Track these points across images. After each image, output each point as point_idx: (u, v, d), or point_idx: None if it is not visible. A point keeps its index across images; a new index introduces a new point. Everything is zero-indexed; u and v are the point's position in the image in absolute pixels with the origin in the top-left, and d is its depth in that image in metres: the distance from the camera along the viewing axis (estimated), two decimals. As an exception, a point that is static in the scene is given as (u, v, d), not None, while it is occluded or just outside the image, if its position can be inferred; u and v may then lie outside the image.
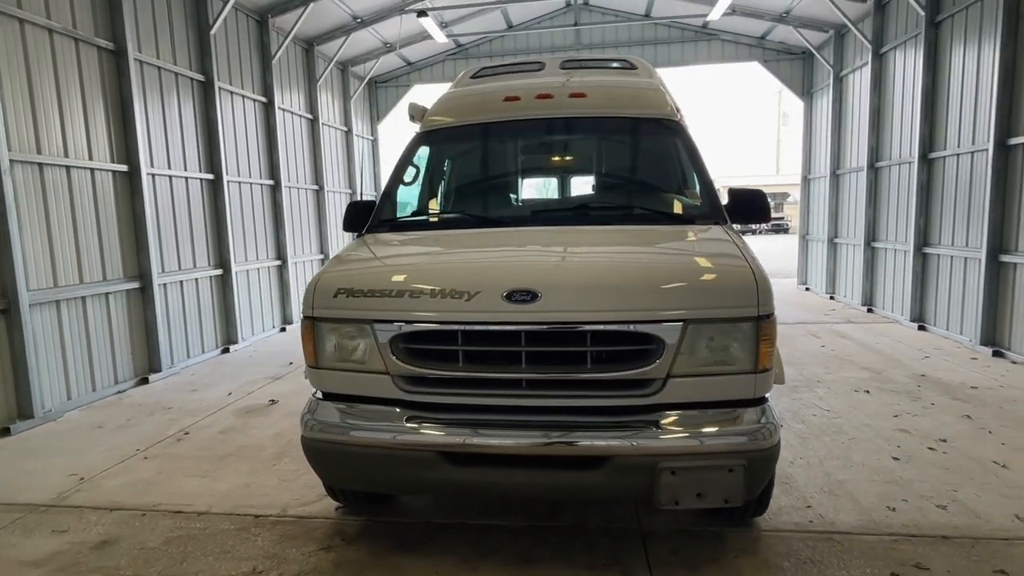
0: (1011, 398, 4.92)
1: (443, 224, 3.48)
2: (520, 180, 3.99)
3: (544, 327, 2.45)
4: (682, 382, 2.44)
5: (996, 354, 6.25)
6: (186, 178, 7.07)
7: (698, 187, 3.48)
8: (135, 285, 6.16)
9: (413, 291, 2.56)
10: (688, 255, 2.82)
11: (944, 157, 7.42)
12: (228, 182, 7.71)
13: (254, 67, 8.50)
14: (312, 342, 2.70)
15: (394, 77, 12.74)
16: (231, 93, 7.90)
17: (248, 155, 8.32)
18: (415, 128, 4.68)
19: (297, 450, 3.16)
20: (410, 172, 3.82)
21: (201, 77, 7.28)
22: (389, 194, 3.68)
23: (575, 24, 12.00)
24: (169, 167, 6.77)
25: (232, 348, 7.73)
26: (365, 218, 3.69)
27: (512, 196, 3.87)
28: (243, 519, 3.30)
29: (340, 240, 10.98)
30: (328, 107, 10.76)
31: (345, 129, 11.47)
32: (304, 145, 9.98)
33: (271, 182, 8.85)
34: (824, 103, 11.09)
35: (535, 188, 3.91)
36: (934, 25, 7.48)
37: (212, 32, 7.30)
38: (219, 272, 7.60)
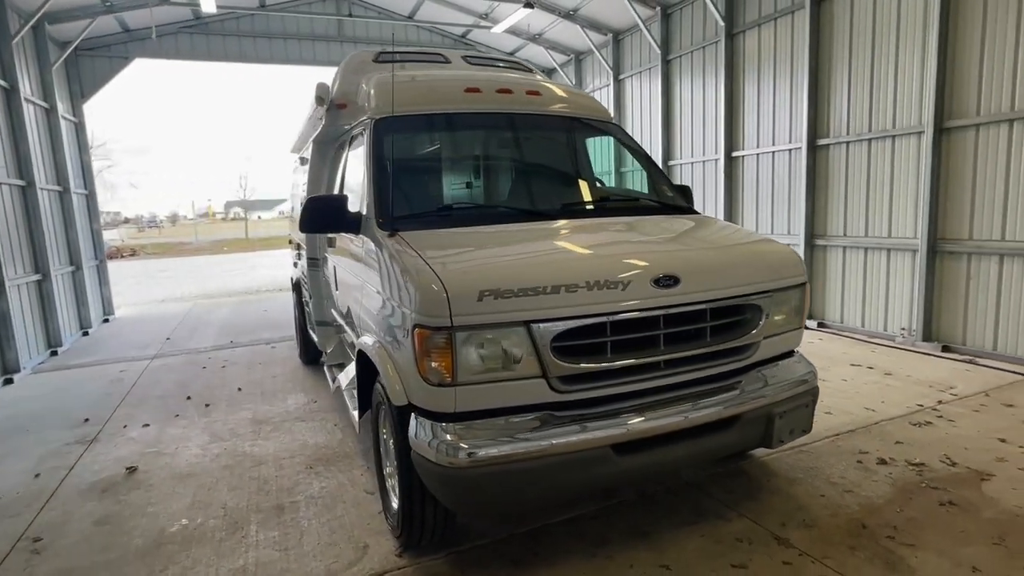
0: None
1: (482, 217, 3.25)
2: (518, 173, 3.92)
3: (686, 308, 2.65)
4: (766, 343, 2.95)
5: (820, 326, 7.46)
6: None
7: (660, 181, 4.03)
8: None
9: (568, 285, 2.46)
10: (740, 237, 3.30)
11: (680, 164, 9.67)
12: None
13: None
14: (450, 355, 2.33)
15: (106, 45, 10.04)
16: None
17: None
18: (319, 112, 4.19)
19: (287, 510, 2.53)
20: (382, 163, 3.42)
21: None
22: (385, 187, 3.25)
23: (336, 14, 11.39)
24: None
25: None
26: (333, 216, 3.21)
27: (525, 189, 3.79)
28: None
29: (58, 249, 8.27)
30: (24, 77, 7.94)
31: (47, 106, 8.62)
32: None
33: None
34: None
35: (524, 181, 3.90)
36: (666, 62, 9.64)
37: None
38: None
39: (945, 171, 5.89)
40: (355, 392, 4.02)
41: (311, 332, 5.86)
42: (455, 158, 3.94)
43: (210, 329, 9.03)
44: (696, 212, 3.81)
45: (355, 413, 3.61)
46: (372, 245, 3.06)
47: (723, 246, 3.04)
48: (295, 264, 6.92)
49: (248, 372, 6.40)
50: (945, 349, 6.01)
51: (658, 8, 9.39)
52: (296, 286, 6.43)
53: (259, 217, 67.27)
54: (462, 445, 2.34)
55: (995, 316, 5.64)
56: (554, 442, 2.40)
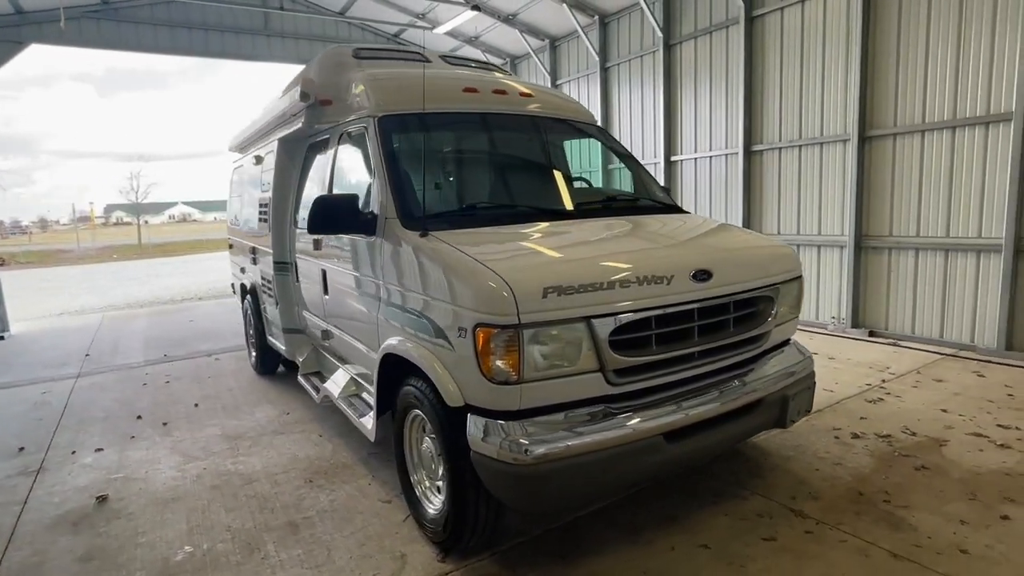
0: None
1: (506, 217, 3.25)
2: (526, 173, 3.94)
3: (718, 300, 2.82)
4: (776, 330, 3.19)
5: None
6: None
7: (650, 181, 4.22)
8: None
9: (622, 280, 2.54)
10: (747, 234, 3.52)
11: (619, 168, 10.06)
12: None
13: None
14: (516, 353, 2.33)
15: (-6, 28, 8.93)
16: None
17: None
18: (300, 107, 4.07)
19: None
20: (395, 162, 3.36)
21: None
22: (405, 187, 3.20)
23: (263, 7, 10.81)
24: None
25: None
26: (345, 217, 3.13)
27: (536, 189, 3.82)
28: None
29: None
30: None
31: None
32: None
33: None
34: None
35: (536, 182, 3.94)
36: (605, 69, 10.01)
37: None
38: None
39: (868, 175, 6.59)
40: (355, 399, 3.89)
41: (272, 341, 5.56)
42: (464, 158, 3.90)
43: (134, 343, 8.27)
44: (687, 211, 4.04)
45: (365, 420, 3.50)
46: (397, 246, 2.99)
47: (741, 242, 3.25)
48: (243, 269, 6.52)
49: (198, 387, 5.94)
50: (871, 334, 6.72)
51: (596, 17, 9.74)
52: (250, 292, 6.05)
53: (146, 222, 61.89)
54: (530, 441, 2.35)
55: (912, 304, 6.38)
56: (616, 433, 2.47)
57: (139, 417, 5.10)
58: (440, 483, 2.90)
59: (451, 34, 11.51)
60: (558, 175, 3.93)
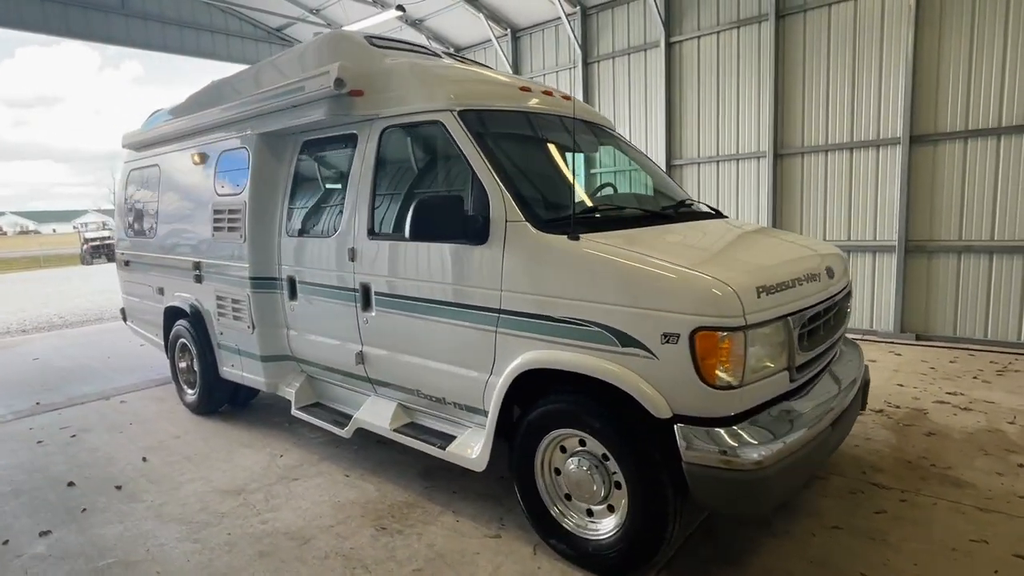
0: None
1: (630, 219, 3.14)
2: (611, 176, 3.79)
3: (840, 294, 3.05)
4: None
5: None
6: None
7: (675, 185, 4.39)
8: None
9: (799, 279, 2.62)
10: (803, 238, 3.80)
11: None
12: None
13: None
14: (742, 356, 2.28)
15: None
16: None
17: None
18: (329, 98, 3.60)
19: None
20: (499, 161, 3.11)
21: None
22: (526, 188, 2.98)
23: (118, -19, 9.13)
24: None
25: None
26: (449, 222, 2.87)
27: (622, 191, 3.69)
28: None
29: None
30: None
31: None
32: None
33: None
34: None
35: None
36: (587, 64, 9.80)
37: None
38: None
39: (781, 187, 7.55)
40: (412, 428, 3.49)
41: (234, 373, 4.70)
42: (547, 158, 3.67)
43: (-29, 392, 6.35)
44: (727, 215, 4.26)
45: (460, 449, 3.12)
46: (532, 252, 2.74)
47: (824, 246, 3.51)
48: (160, 290, 5.41)
49: (126, 438, 4.76)
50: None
51: (509, 30, 9.85)
52: (189, 316, 5.02)
53: None
54: (759, 445, 2.30)
55: (820, 298, 7.43)
56: (816, 428, 2.52)
57: (71, 484, 3.94)
58: (597, 506, 2.70)
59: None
60: (635, 177, 3.92)
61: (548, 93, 3.89)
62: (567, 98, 4.04)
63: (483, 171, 2.94)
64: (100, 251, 30.98)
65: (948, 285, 6.53)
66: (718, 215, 3.98)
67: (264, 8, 10.32)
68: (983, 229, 6.25)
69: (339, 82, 3.50)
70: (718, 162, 8.06)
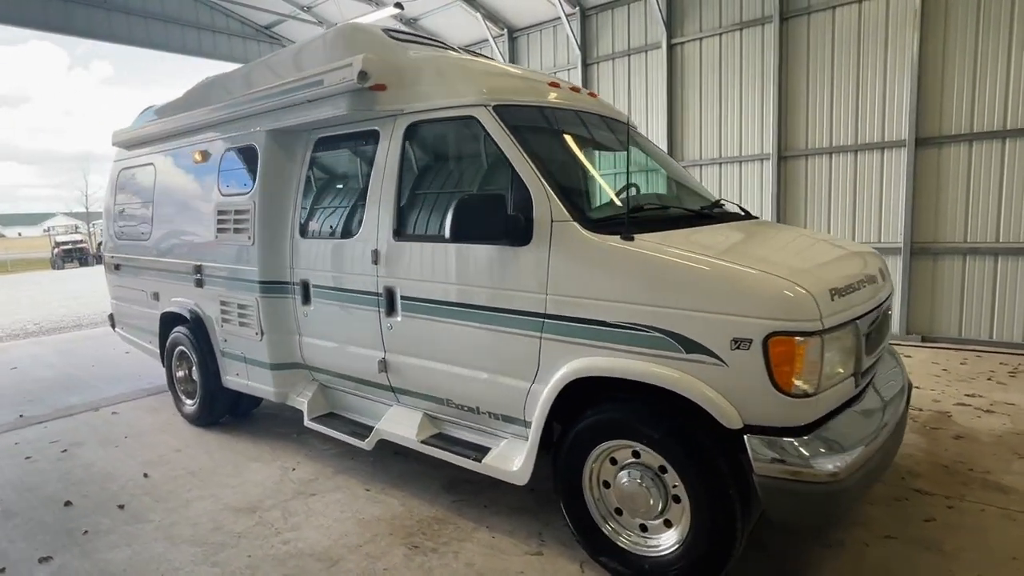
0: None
1: (675, 220, 3.02)
2: (642, 175, 3.67)
3: (889, 297, 2.95)
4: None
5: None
6: None
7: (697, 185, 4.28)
8: None
9: (861, 281, 2.54)
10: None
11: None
12: None
13: None
14: (818, 361, 2.17)
15: None
16: None
17: None
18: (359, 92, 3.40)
19: None
20: (540, 158, 2.97)
21: None
22: (575, 187, 2.87)
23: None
24: None
25: None
26: (491, 222, 2.71)
27: (659, 190, 3.57)
28: None
29: None
30: None
31: None
32: None
33: None
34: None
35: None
36: (586, 65, 9.63)
37: None
38: None
39: (785, 189, 7.53)
40: (441, 440, 3.31)
41: (239, 382, 4.47)
42: (585, 155, 3.52)
43: (-53, 404, 5.98)
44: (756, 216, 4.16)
45: (498, 462, 2.96)
46: (582, 253, 2.59)
47: (865, 248, 3.43)
48: (155, 295, 5.15)
49: (122, 452, 4.49)
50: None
51: (506, 30, 9.72)
52: (190, 322, 4.76)
53: None
54: (837, 455, 2.18)
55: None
56: (883, 435, 2.42)
57: (68, 503, 3.68)
58: (652, 521, 2.56)
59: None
60: (668, 177, 3.82)
61: (575, 90, 3.77)
62: (593, 95, 3.93)
63: (525, 169, 2.79)
64: (72, 255, 30.09)
65: (953, 287, 6.56)
66: (748, 216, 3.89)
67: (253, 4, 10.03)
68: (988, 231, 6.29)
69: (363, 75, 3.32)
70: (720, 164, 8.03)
